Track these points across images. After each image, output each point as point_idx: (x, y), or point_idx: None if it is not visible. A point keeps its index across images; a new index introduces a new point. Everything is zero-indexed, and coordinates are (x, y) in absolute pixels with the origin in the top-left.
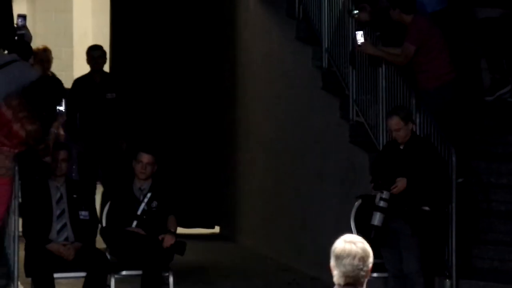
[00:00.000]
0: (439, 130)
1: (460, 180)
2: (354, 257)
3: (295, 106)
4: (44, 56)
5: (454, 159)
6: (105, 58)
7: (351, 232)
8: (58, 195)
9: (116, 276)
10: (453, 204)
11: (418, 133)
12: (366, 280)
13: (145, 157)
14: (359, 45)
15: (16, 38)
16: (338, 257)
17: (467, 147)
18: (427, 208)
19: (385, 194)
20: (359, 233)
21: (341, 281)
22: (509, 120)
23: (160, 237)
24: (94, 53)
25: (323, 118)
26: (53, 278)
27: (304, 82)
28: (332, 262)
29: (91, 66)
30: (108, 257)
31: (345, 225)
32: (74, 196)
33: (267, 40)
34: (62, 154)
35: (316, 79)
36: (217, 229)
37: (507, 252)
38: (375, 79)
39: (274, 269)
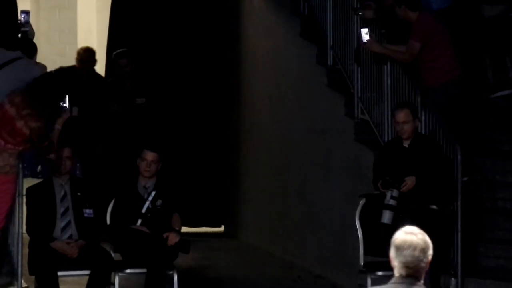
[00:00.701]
0: (444, 127)
1: (465, 178)
2: (415, 248)
3: (300, 104)
4: (85, 57)
5: (459, 157)
6: (133, 64)
7: (356, 230)
8: (62, 192)
9: (120, 274)
10: (459, 203)
11: (423, 130)
12: (424, 272)
13: (150, 155)
14: (364, 42)
15: (20, 35)
16: (399, 248)
17: (473, 145)
18: (434, 207)
19: (395, 193)
20: (364, 231)
21: (403, 272)
22: None
23: (164, 235)
24: (121, 62)
25: (328, 115)
26: (57, 276)
27: (309, 80)
28: (392, 253)
29: (118, 74)
30: (112, 255)
31: (350, 223)
32: (78, 194)
33: (272, 37)
34: (66, 152)
35: (321, 77)
36: (221, 227)
37: None
38: (380, 76)
39: (278, 267)
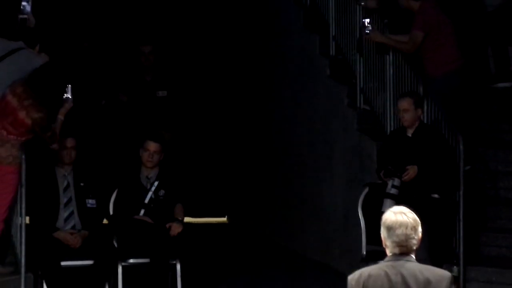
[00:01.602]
0: (446, 117)
1: (467, 167)
2: (406, 226)
3: (303, 94)
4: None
5: (461, 146)
6: (157, 53)
7: (358, 219)
8: (65, 183)
9: (123, 264)
10: (461, 192)
11: (425, 120)
12: (415, 248)
13: (152, 146)
14: (366, 32)
15: (19, 22)
16: (390, 228)
17: (475, 135)
18: (436, 196)
19: (396, 182)
20: (366, 221)
21: (396, 251)
22: None
23: (167, 225)
24: (145, 49)
25: (331, 106)
26: (60, 266)
27: (311, 70)
28: (384, 234)
29: (142, 62)
30: (115, 245)
31: (353, 213)
32: (81, 184)
33: (274, 28)
34: (70, 142)
35: (323, 67)
36: (225, 218)
37: None
38: (383, 66)
39: (282, 257)
